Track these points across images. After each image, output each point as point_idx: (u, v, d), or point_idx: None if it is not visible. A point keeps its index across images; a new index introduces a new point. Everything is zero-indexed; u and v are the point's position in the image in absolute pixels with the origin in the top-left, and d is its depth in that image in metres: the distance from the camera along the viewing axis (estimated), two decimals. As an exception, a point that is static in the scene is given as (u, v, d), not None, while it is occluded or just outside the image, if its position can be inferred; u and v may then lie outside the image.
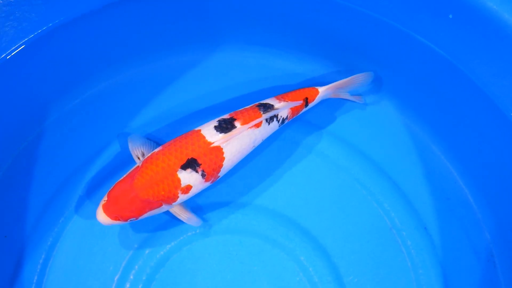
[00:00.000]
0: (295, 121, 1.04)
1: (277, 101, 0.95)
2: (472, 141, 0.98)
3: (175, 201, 0.90)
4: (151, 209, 0.89)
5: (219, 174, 0.92)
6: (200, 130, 0.90)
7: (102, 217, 0.88)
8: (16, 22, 0.90)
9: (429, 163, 1.02)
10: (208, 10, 1.00)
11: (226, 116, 0.92)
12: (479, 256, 0.98)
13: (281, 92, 1.04)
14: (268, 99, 0.96)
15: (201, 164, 0.88)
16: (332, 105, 1.05)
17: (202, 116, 1.04)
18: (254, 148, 0.95)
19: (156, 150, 0.90)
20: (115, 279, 0.98)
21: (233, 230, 1.00)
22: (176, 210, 0.95)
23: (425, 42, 0.92)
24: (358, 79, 1.00)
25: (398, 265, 0.98)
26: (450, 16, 0.86)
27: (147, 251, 0.99)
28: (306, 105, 0.97)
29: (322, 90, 0.98)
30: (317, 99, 0.98)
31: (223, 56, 1.06)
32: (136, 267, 0.98)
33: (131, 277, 0.98)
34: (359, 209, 1.01)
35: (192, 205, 1.00)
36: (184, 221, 0.95)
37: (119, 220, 0.89)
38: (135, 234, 0.99)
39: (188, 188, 0.89)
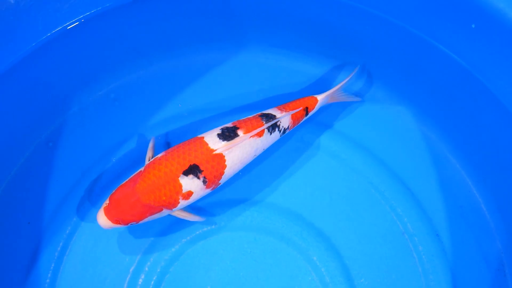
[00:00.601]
0: (313, 123, 1.06)
1: (279, 111, 0.97)
2: (488, 151, 0.99)
3: (175, 207, 0.92)
4: (151, 213, 0.91)
5: (220, 181, 0.94)
6: (203, 137, 0.92)
7: (103, 220, 0.90)
8: (47, 12, 0.93)
9: (443, 171, 1.03)
10: (235, 9, 1.02)
11: (229, 125, 0.94)
12: (489, 264, 0.99)
13: (300, 94, 1.06)
14: (270, 110, 0.98)
15: (203, 170, 0.90)
16: (349, 109, 1.07)
17: (222, 115, 1.06)
18: (255, 157, 0.97)
19: (159, 155, 0.92)
20: (130, 270, 1.00)
21: (247, 227, 1.02)
22: (178, 213, 0.96)
23: (445, 51, 0.94)
24: (349, 79, 1.02)
25: (409, 270, 0.99)
26: (473, 26, 0.87)
27: (162, 244, 1.00)
28: (307, 114, 0.99)
29: (320, 98, 1.00)
30: (317, 107, 1.00)
31: (246, 56, 1.08)
32: (151, 259, 1.00)
33: (146, 269, 1.00)
34: (372, 213, 1.02)
35: (207, 202, 1.02)
36: (188, 219, 0.97)
37: (119, 223, 0.90)
38: (152, 228, 1.01)
39: (189, 194, 0.91)
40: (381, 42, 1.02)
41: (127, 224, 0.91)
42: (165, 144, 1.05)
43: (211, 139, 0.91)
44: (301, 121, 1.00)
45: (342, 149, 1.05)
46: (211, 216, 1.02)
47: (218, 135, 0.92)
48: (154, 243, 1.00)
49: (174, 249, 1.01)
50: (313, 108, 0.99)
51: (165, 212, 0.92)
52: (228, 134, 0.92)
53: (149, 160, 0.96)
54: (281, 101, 1.06)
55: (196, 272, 1.00)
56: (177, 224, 1.01)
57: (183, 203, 0.92)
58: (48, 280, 0.99)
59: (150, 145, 0.99)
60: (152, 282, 0.99)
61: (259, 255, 1.01)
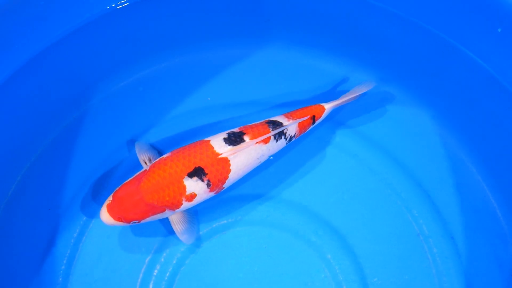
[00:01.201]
0: (331, 122, 1.06)
1: (286, 119, 0.97)
2: (506, 158, 1.00)
3: (178, 208, 0.92)
4: (154, 213, 0.92)
5: (224, 186, 0.94)
6: (209, 141, 0.93)
7: (105, 217, 0.91)
8: (74, 2, 0.94)
9: (460, 175, 1.03)
10: (258, 4, 1.02)
11: (236, 130, 0.95)
12: (503, 269, 0.99)
13: (319, 93, 1.06)
14: (277, 117, 0.98)
15: (207, 173, 0.90)
16: (369, 110, 1.07)
17: (242, 110, 1.07)
18: (260, 163, 0.97)
19: (164, 155, 0.93)
20: (146, 261, 1.00)
21: (264, 223, 1.02)
22: (175, 218, 0.97)
23: (470, 55, 0.94)
24: (360, 91, 1.02)
25: (422, 271, 1.00)
26: (499, 30, 0.88)
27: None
28: (314, 122, 1.00)
29: (328, 107, 1.00)
30: (324, 115, 1.00)
31: (267, 53, 1.08)
32: (167, 250, 1.01)
33: (162, 260, 1.00)
34: (388, 213, 1.03)
35: (225, 196, 1.03)
36: (176, 232, 0.97)
37: (121, 221, 0.91)
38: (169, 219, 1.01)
39: (192, 196, 0.91)
40: (404, 43, 1.03)
41: (129, 222, 0.91)
42: (180, 139, 1.06)
43: (217, 143, 0.92)
44: (308, 129, 1.01)
45: (360, 149, 1.05)
46: (228, 210, 1.03)
47: (224, 139, 0.92)
48: (171, 234, 1.01)
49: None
50: (320, 117, 1.00)
51: (167, 213, 0.93)
52: (234, 139, 0.92)
53: (146, 163, 0.97)
54: (301, 100, 1.08)
55: (211, 265, 1.00)
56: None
57: (186, 204, 0.92)
58: (63, 267, 1.00)
59: (137, 150, 0.99)
60: (168, 274, 1.00)
61: (274, 251, 1.01)
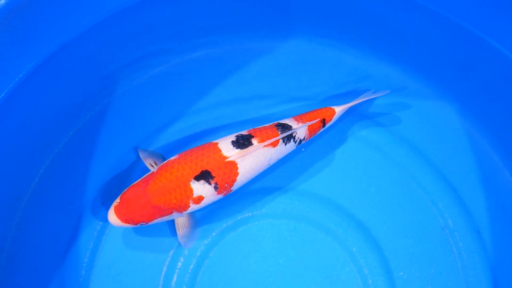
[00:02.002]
0: (356, 116, 1.05)
1: (295, 122, 0.96)
2: (533, 150, 0.99)
3: (186, 210, 0.92)
4: (161, 215, 0.91)
5: (232, 188, 0.93)
6: (217, 143, 0.92)
7: (112, 218, 0.91)
8: None
9: (486, 169, 1.03)
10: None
11: (244, 132, 0.94)
12: (529, 263, 0.99)
13: (342, 86, 1.05)
14: (286, 120, 0.97)
15: (214, 176, 0.90)
16: (394, 103, 1.06)
17: (264, 103, 1.06)
18: (269, 166, 0.96)
19: (172, 158, 0.92)
20: (170, 254, 1.00)
21: (288, 216, 1.02)
22: (180, 222, 0.96)
23: (499, 48, 0.93)
24: (372, 96, 1.02)
25: (448, 265, 0.99)
26: (532, 23, 0.87)
27: (202, 229, 1.00)
28: (324, 125, 0.99)
29: (338, 110, 0.99)
30: (334, 118, 0.99)
31: (291, 46, 1.07)
32: (191, 243, 1.00)
33: (186, 252, 1.00)
34: (413, 207, 1.02)
35: (249, 189, 1.02)
36: (178, 235, 0.97)
37: (129, 223, 0.91)
38: (192, 212, 1.00)
39: (200, 199, 0.91)
40: (430, 36, 1.01)
41: (136, 224, 0.91)
42: (202, 133, 1.05)
43: (225, 145, 0.91)
44: (318, 133, 1.00)
45: (385, 142, 1.04)
46: (252, 203, 1.02)
47: (232, 142, 0.92)
48: (194, 228, 1.00)
49: (214, 234, 1.01)
50: (330, 120, 0.99)
51: (175, 215, 0.92)
52: (242, 142, 0.91)
53: (152, 166, 0.96)
54: (323, 94, 1.07)
55: (235, 258, 1.00)
56: (218, 210, 1.01)
57: (194, 207, 0.92)
58: (86, 260, 0.99)
59: (141, 155, 0.99)
60: (191, 266, 0.99)
61: (299, 244, 1.01)
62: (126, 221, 0.90)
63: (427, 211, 1.02)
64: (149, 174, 0.92)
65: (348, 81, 1.07)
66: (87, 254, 1.00)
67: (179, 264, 0.99)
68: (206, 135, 1.04)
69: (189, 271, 0.99)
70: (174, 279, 0.99)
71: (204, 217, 1.01)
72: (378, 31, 1.05)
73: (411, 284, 0.99)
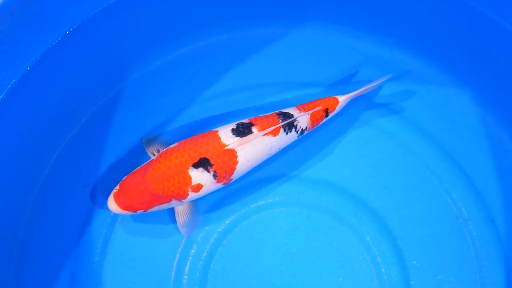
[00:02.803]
0: (371, 104, 1.05)
1: (297, 111, 0.95)
2: (548, 139, 0.98)
3: (185, 198, 0.91)
4: (160, 203, 0.91)
5: (232, 177, 0.93)
6: (217, 131, 0.91)
7: (112, 205, 0.91)
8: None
9: (502, 158, 1.02)
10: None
11: (245, 121, 0.93)
12: (543, 253, 0.99)
13: (357, 73, 1.05)
14: (288, 109, 0.96)
15: (213, 164, 0.89)
16: (408, 90, 1.05)
17: (276, 90, 1.05)
18: (270, 155, 0.95)
19: (172, 146, 0.92)
20: (183, 241, 0.99)
21: (302, 204, 1.01)
22: (180, 210, 0.96)
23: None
24: (376, 86, 1.01)
25: (462, 255, 0.99)
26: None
27: (216, 216, 1.00)
28: (327, 115, 0.98)
29: (342, 99, 0.98)
30: (338, 108, 0.98)
31: (305, 32, 1.06)
32: (204, 231, 1.00)
33: (199, 240, 0.99)
34: (427, 196, 1.01)
35: (263, 177, 1.02)
36: (177, 223, 0.96)
37: (128, 210, 0.91)
38: (206, 199, 1.00)
39: (198, 187, 0.90)
40: (445, 21, 1.00)
41: (135, 211, 0.91)
42: (215, 117, 1.04)
43: (225, 133, 0.91)
44: (321, 123, 0.99)
45: (399, 130, 1.04)
46: (266, 191, 1.01)
47: (232, 130, 0.91)
48: (208, 214, 1.00)
49: (228, 221, 1.00)
50: (333, 109, 0.98)
51: (174, 203, 0.92)
52: (242, 130, 0.91)
53: (154, 154, 0.96)
54: (338, 80, 1.06)
55: (249, 246, 1.00)
56: (232, 197, 1.01)
57: (193, 195, 0.91)
58: (99, 246, 0.99)
59: (144, 145, 0.98)
60: (205, 254, 0.99)
61: (312, 232, 1.00)
62: (125, 208, 0.90)
63: (441, 199, 1.01)
64: (149, 162, 0.92)
65: (363, 68, 1.06)
66: (100, 240, 0.99)
67: (192, 251, 0.99)
68: (219, 121, 1.03)
69: (202, 258, 0.99)
70: (187, 266, 0.99)
71: (217, 204, 1.01)
72: (393, 17, 1.04)
73: (424, 273, 0.99)
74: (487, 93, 1.03)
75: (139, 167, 0.92)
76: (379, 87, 1.04)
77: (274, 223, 1.01)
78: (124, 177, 0.92)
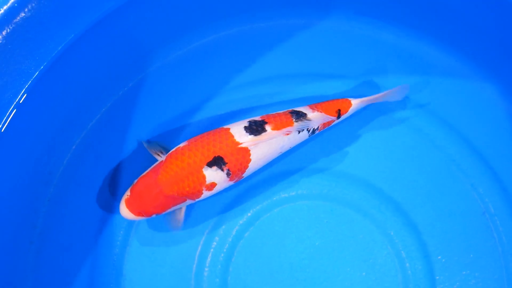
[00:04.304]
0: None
1: (311, 110, 0.94)
2: None
3: (199, 197, 0.90)
4: (175, 204, 0.89)
5: (243, 175, 0.92)
6: (229, 129, 0.90)
7: (125, 212, 0.89)
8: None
9: (529, 153, 1.01)
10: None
11: (257, 118, 0.92)
12: None
13: (380, 66, 1.03)
14: (301, 107, 0.94)
15: (227, 163, 0.88)
16: (435, 84, 1.03)
17: (301, 81, 1.03)
18: (280, 154, 0.94)
19: (181, 145, 0.90)
20: (205, 233, 0.98)
21: (325, 197, 1.00)
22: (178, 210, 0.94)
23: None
24: (393, 93, 0.98)
25: (488, 250, 0.98)
26: None
27: (238, 209, 0.99)
28: (339, 116, 0.96)
29: (355, 103, 0.96)
30: (350, 111, 0.97)
31: (330, 23, 1.04)
32: (226, 223, 0.99)
33: (221, 232, 0.98)
34: (453, 190, 1.00)
35: (285, 169, 1.00)
36: (170, 219, 0.95)
37: (142, 215, 0.89)
38: (228, 191, 0.98)
39: (212, 185, 0.89)
40: (472, 13, 0.98)
41: (150, 215, 0.89)
42: (236, 111, 1.02)
43: (238, 131, 0.89)
44: (332, 124, 0.97)
45: (425, 124, 1.02)
46: (289, 183, 1.00)
47: (245, 128, 0.90)
48: (230, 207, 0.99)
49: (250, 214, 0.99)
50: (346, 112, 0.96)
51: (188, 202, 0.91)
52: (255, 128, 0.89)
53: (159, 155, 0.94)
54: (361, 72, 1.04)
55: (271, 239, 0.98)
56: (254, 190, 1.00)
57: (206, 194, 0.90)
58: (120, 238, 0.98)
59: (147, 147, 0.96)
60: (226, 246, 0.98)
61: (335, 226, 0.99)
62: (139, 214, 0.89)
63: (467, 195, 1.00)
64: (157, 164, 0.90)
65: (386, 61, 1.04)
66: (121, 232, 0.98)
67: (214, 243, 0.98)
68: (240, 113, 1.02)
69: (224, 250, 0.98)
70: (209, 258, 0.97)
71: (239, 197, 0.99)
72: (418, 9, 1.02)
73: (449, 268, 0.97)
74: (515, 87, 1.02)
75: (148, 170, 0.90)
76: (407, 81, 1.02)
77: (296, 216, 0.99)
78: (134, 182, 0.90)
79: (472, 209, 0.99)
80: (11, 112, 0.87)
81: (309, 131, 0.94)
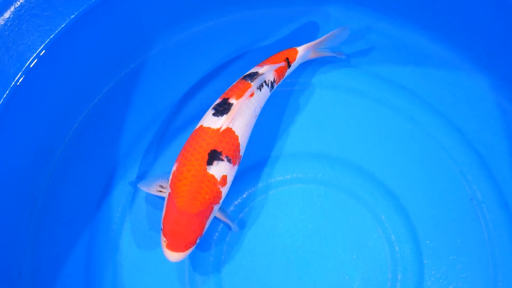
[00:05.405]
0: (388, 85, 1.06)
1: (260, 67, 0.96)
2: None
3: (221, 197, 0.91)
4: (207, 217, 0.89)
5: (241, 154, 0.93)
6: (201, 125, 0.91)
7: (174, 256, 0.87)
8: None
9: (517, 143, 1.04)
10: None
11: (218, 100, 0.93)
12: (554, 237, 1.00)
13: (373, 54, 1.07)
14: (251, 70, 0.97)
15: (221, 151, 0.89)
16: (427, 73, 1.07)
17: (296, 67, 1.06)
18: (256, 117, 0.96)
19: (173, 169, 0.90)
20: (201, 212, 1.00)
21: (319, 181, 1.02)
22: (219, 215, 0.95)
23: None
24: (335, 36, 1.01)
25: (475, 236, 1.00)
26: None
27: (233, 190, 1.00)
28: (289, 66, 0.99)
29: (301, 49, 0.99)
30: (298, 58, 0.99)
31: (327, 12, 1.08)
32: (222, 203, 1.00)
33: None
34: (443, 177, 1.03)
35: (282, 153, 1.03)
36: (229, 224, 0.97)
37: (189, 247, 0.88)
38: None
39: (224, 178, 0.90)
40: (465, 6, 1.02)
41: (195, 242, 0.88)
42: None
43: (210, 121, 0.90)
44: (286, 74, 0.99)
45: (418, 113, 1.05)
46: (284, 167, 1.03)
47: (214, 114, 0.91)
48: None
49: (245, 195, 1.02)
50: (294, 59, 0.99)
51: (215, 209, 0.91)
52: (222, 109, 0.91)
53: (161, 191, 0.94)
54: (357, 60, 1.07)
55: (265, 221, 1.01)
56: (249, 172, 1.02)
57: (224, 190, 0.90)
58: (117, 214, 1.00)
59: (145, 189, 0.95)
60: (221, 225, 1.00)
61: (328, 209, 1.02)
62: (186, 248, 0.87)
63: (456, 181, 1.03)
64: (168, 198, 0.89)
65: (381, 50, 1.08)
66: (119, 209, 1.00)
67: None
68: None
69: (219, 230, 1.00)
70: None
71: (235, 178, 1.00)
72: (415, 1, 1.05)
73: (436, 252, 1.00)
74: (505, 79, 1.05)
75: (164, 210, 0.89)
76: (400, 70, 1.05)
77: (291, 199, 1.02)
78: (162, 227, 0.88)
79: (461, 196, 1.02)
80: (14, 89, 0.88)
81: (268, 85, 0.96)
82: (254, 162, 1.02)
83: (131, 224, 1.00)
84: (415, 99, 1.06)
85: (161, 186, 0.94)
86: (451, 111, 1.05)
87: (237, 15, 1.07)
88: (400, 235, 1.01)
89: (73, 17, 0.90)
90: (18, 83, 0.87)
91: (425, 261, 1.00)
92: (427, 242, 1.01)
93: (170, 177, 0.90)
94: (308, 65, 1.06)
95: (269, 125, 1.04)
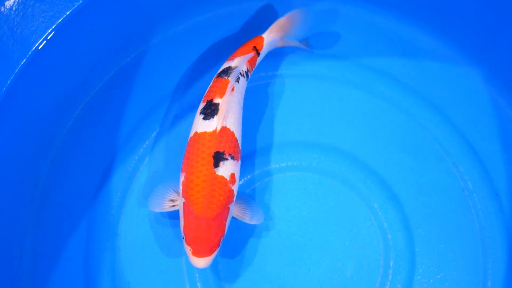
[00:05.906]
0: (383, 77, 1.08)
1: (231, 61, 0.98)
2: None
3: (234, 196, 0.92)
4: (225, 218, 0.91)
5: (239, 148, 0.95)
6: (196, 132, 0.92)
7: (201, 262, 0.88)
8: None
9: (509, 136, 1.05)
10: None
11: (202, 105, 0.94)
12: (544, 227, 1.02)
13: (366, 47, 1.09)
14: (222, 66, 0.98)
15: (224, 151, 0.91)
16: (421, 65, 1.09)
17: (292, 61, 1.08)
18: (242, 108, 0.97)
19: (181, 179, 0.91)
20: (198, 198, 1.03)
21: (314, 169, 1.05)
22: (236, 212, 0.95)
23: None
24: (296, 17, 1.02)
25: (466, 225, 1.03)
26: None
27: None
28: (258, 53, 1.00)
29: (266, 35, 1.01)
30: (265, 45, 1.00)
31: (325, 4, 1.10)
32: (219, 190, 1.03)
33: (213, 198, 1.03)
34: (435, 167, 1.05)
35: (277, 141, 1.06)
36: (247, 222, 0.96)
37: (214, 250, 0.89)
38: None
39: (232, 177, 0.91)
40: (460, 2, 1.04)
41: (219, 244, 0.90)
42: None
43: (203, 126, 0.91)
44: (257, 62, 1.01)
45: (411, 105, 1.07)
46: (279, 155, 1.05)
47: (204, 118, 0.92)
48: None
49: (241, 182, 1.04)
50: (262, 47, 1.00)
51: (231, 209, 0.92)
52: (210, 111, 0.92)
53: (174, 203, 0.94)
54: (352, 53, 1.09)
55: (260, 207, 1.01)
56: (245, 159, 1.04)
57: (235, 188, 0.92)
58: (117, 199, 1.03)
59: (156, 210, 0.95)
60: (218, 212, 1.02)
61: (322, 197, 1.04)
62: (211, 251, 0.89)
63: (448, 172, 1.05)
64: (184, 207, 0.90)
65: (375, 42, 1.10)
66: (118, 194, 1.03)
67: (206, 209, 1.03)
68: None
69: (215, 216, 1.02)
70: (200, 223, 1.02)
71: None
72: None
73: (428, 241, 1.02)
74: (498, 72, 1.07)
75: (183, 220, 0.90)
76: (393, 62, 1.07)
77: (285, 187, 1.04)
78: (183, 236, 0.89)
79: (452, 186, 1.04)
80: (18, 74, 0.90)
81: (243, 76, 0.97)
82: (250, 151, 1.05)
83: (130, 208, 1.02)
84: (408, 91, 1.08)
85: (172, 201, 0.95)
86: (444, 103, 1.07)
87: (238, 7, 1.08)
88: (393, 223, 1.03)
89: (77, 5, 0.92)
90: (22, 69, 0.89)
91: (417, 249, 1.02)
92: (419, 230, 1.03)
93: (181, 187, 0.91)
94: (303, 55, 1.09)
95: (265, 114, 1.06)
